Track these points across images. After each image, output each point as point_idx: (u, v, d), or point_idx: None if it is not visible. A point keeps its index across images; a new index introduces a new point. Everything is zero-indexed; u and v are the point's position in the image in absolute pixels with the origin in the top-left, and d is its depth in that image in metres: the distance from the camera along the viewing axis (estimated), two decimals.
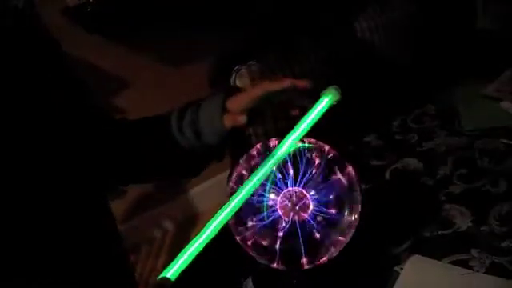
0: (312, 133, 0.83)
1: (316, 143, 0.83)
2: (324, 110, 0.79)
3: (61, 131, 0.77)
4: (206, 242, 0.68)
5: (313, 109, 0.79)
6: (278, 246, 0.78)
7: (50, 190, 0.73)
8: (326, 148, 0.83)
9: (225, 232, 0.82)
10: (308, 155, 0.81)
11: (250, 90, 0.84)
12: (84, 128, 0.82)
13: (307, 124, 0.78)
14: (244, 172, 0.81)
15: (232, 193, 0.75)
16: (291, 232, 0.78)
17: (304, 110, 0.80)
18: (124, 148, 0.90)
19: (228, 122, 0.83)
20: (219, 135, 0.85)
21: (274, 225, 0.79)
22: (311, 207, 0.79)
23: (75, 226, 0.78)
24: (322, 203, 0.79)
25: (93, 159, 0.83)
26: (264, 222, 0.79)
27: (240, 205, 0.71)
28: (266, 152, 0.79)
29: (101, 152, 0.86)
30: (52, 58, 0.80)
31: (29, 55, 0.75)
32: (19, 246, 0.69)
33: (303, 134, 0.78)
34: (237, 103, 0.83)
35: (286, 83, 0.80)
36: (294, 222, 0.78)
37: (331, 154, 0.83)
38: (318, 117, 0.78)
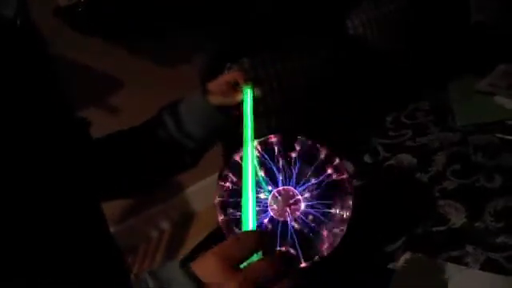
0: (305, 130, 0.83)
1: (307, 140, 0.82)
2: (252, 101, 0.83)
3: (49, 133, 0.76)
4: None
5: (245, 104, 0.82)
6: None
7: (38, 192, 0.73)
8: (318, 145, 0.83)
9: (216, 234, 0.82)
10: (298, 152, 0.81)
11: (225, 74, 0.94)
12: (70, 132, 0.82)
13: (250, 117, 0.79)
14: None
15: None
16: (282, 232, 0.78)
17: None
18: (109, 159, 0.91)
19: (215, 99, 0.89)
20: (202, 122, 0.90)
21: (265, 225, 0.78)
22: (302, 206, 0.78)
23: (68, 228, 0.77)
24: (312, 201, 0.79)
25: (80, 163, 0.82)
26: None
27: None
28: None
29: (87, 159, 0.85)
30: (39, 59, 0.79)
31: (18, 58, 0.74)
32: (14, 247, 0.69)
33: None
34: (214, 84, 0.90)
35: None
36: (284, 221, 0.78)
37: (323, 151, 0.82)
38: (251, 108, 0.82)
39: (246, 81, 0.87)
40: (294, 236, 0.77)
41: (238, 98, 0.87)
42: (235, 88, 0.88)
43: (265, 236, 0.60)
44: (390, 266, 0.91)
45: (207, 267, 0.53)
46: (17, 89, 0.72)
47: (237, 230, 0.78)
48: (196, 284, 0.52)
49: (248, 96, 0.83)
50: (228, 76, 0.91)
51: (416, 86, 1.40)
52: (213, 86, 0.90)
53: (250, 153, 0.68)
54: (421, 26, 1.52)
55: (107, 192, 0.95)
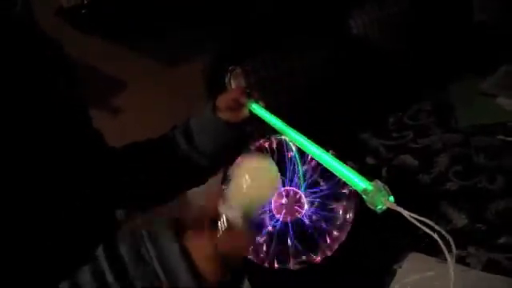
0: (308, 131, 0.84)
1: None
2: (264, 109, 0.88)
3: (64, 134, 0.76)
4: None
5: (263, 115, 0.87)
6: (273, 245, 0.78)
7: (47, 192, 0.73)
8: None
9: None
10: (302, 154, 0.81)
11: (231, 90, 0.98)
12: (84, 135, 0.82)
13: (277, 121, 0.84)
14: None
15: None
16: (287, 231, 0.78)
17: None
18: (120, 172, 0.92)
19: (223, 115, 0.89)
20: (213, 136, 0.89)
21: (269, 224, 0.78)
22: (306, 206, 0.79)
23: (77, 229, 0.77)
24: (316, 202, 0.79)
25: (92, 168, 0.82)
26: (259, 221, 0.79)
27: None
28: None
29: (98, 168, 0.85)
30: (53, 59, 0.79)
31: (29, 59, 0.74)
32: (21, 249, 0.69)
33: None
34: (222, 100, 0.91)
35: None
36: (289, 221, 0.78)
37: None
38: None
39: (249, 97, 0.90)
40: (297, 236, 0.78)
41: (244, 113, 0.89)
42: (241, 104, 0.90)
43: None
44: (394, 266, 0.91)
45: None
46: (21, 86, 0.72)
47: None
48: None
49: (258, 107, 0.87)
50: (234, 93, 0.92)
51: (418, 87, 1.40)
52: (221, 102, 0.91)
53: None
54: (423, 27, 1.52)
55: (119, 201, 0.94)
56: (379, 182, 0.63)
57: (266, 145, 0.85)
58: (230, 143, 0.92)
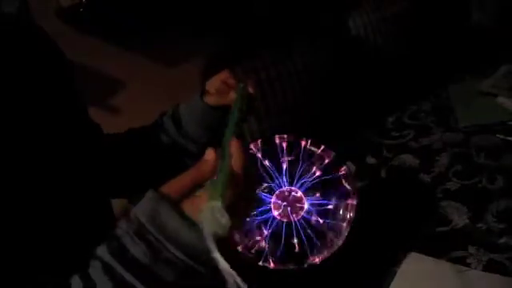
0: (308, 132, 0.84)
1: (310, 142, 0.83)
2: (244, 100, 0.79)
3: (61, 132, 0.76)
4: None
5: (236, 99, 0.79)
6: (270, 245, 0.78)
7: (48, 189, 0.73)
8: (322, 147, 0.83)
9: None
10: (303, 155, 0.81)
11: (219, 74, 0.91)
12: (82, 130, 0.82)
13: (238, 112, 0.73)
14: None
15: None
16: (286, 232, 0.78)
17: None
18: (114, 160, 0.91)
19: (211, 100, 0.88)
20: (201, 122, 0.89)
21: (268, 224, 0.78)
22: (306, 207, 0.79)
23: (75, 224, 0.77)
24: (316, 202, 0.79)
25: (89, 163, 0.82)
26: (257, 221, 0.78)
27: None
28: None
29: (96, 159, 0.85)
30: (52, 60, 0.79)
31: (27, 59, 0.74)
32: (19, 244, 0.69)
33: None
34: (210, 84, 0.89)
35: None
36: (288, 221, 0.78)
37: (326, 153, 0.82)
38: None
39: (236, 79, 0.86)
40: (298, 235, 0.77)
41: (232, 95, 0.83)
42: (230, 87, 0.87)
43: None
44: (393, 266, 0.91)
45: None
46: (18, 86, 0.72)
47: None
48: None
49: (239, 92, 0.80)
50: (222, 75, 0.89)
51: (418, 86, 1.40)
52: (209, 85, 0.90)
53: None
54: (422, 27, 1.52)
55: (109, 189, 0.94)
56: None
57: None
58: (218, 127, 0.90)
